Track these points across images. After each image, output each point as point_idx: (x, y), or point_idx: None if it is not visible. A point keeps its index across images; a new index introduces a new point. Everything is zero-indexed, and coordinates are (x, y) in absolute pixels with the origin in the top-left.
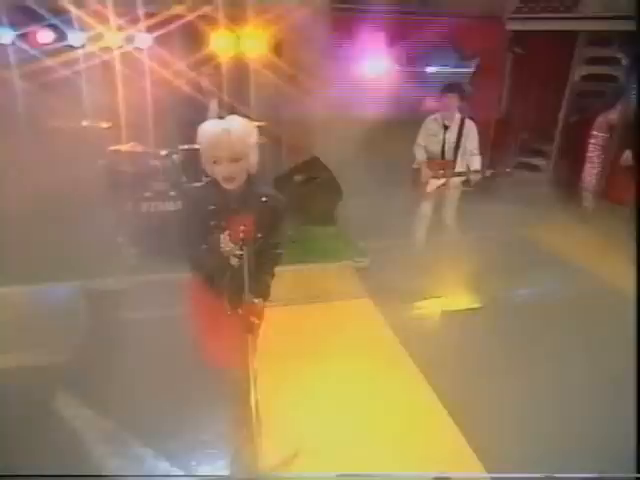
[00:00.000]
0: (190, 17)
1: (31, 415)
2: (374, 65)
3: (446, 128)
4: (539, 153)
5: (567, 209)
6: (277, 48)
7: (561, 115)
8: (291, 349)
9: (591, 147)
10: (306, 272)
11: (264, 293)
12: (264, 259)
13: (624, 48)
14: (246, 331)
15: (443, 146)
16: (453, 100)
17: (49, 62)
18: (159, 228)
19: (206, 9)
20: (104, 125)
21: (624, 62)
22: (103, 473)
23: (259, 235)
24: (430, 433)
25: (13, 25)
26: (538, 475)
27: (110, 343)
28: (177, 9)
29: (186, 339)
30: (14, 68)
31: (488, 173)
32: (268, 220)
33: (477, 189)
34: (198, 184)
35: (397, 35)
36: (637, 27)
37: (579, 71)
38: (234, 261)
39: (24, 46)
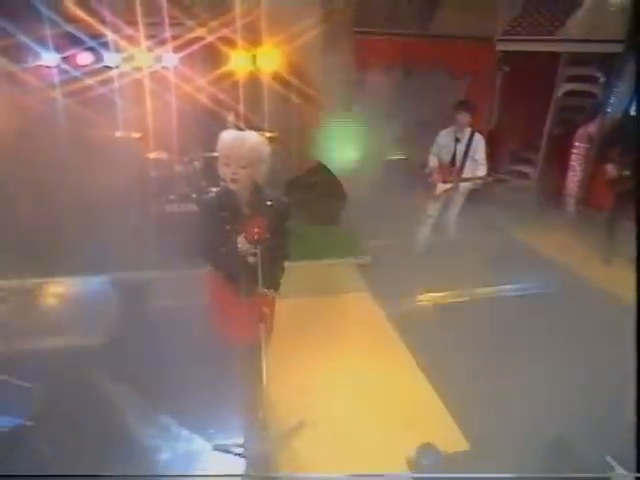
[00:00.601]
0: (211, 39)
1: (76, 388)
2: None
3: (458, 140)
4: (527, 161)
5: (551, 213)
6: (287, 65)
7: (546, 127)
8: (298, 336)
9: (573, 157)
10: (312, 268)
11: (275, 285)
12: (275, 255)
13: (601, 67)
14: (259, 320)
15: (454, 155)
16: (465, 117)
17: (88, 81)
18: (181, 227)
19: (225, 31)
20: (135, 135)
21: (601, 80)
22: (134, 439)
23: (268, 235)
24: (417, 407)
25: (58, 49)
26: (538, 475)
27: (139, 327)
28: (199, 32)
29: (204, 324)
30: (58, 87)
31: (490, 180)
32: (275, 221)
33: (472, 194)
34: (214, 190)
35: (398, 54)
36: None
37: (562, 88)
38: (251, 259)
39: (67, 67)
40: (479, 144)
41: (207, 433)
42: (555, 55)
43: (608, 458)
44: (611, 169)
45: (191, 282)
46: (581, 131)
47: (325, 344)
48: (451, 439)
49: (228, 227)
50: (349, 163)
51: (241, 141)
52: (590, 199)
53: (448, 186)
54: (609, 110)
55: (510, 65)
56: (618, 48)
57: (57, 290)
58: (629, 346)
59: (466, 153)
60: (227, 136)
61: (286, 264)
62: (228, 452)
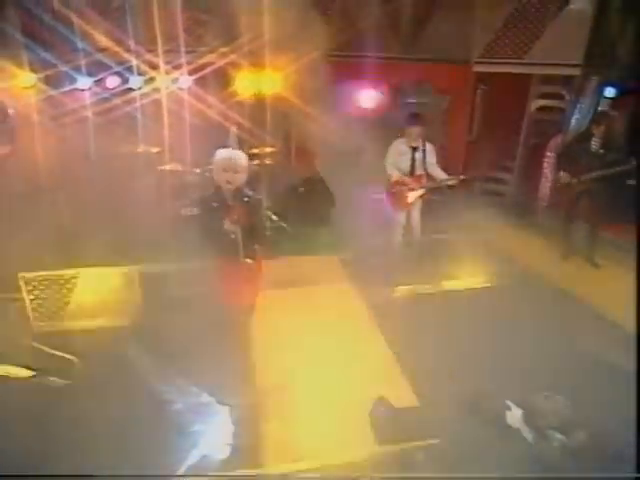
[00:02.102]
0: (220, 63)
1: (107, 359)
2: (366, 98)
3: (415, 149)
4: (505, 169)
5: (523, 215)
6: (287, 86)
7: (521, 138)
8: (287, 316)
9: (545, 165)
10: (301, 263)
11: (254, 257)
12: (253, 235)
13: (566, 86)
14: (245, 281)
15: (413, 163)
16: (419, 129)
17: (115, 101)
18: (193, 227)
19: (232, 57)
20: (154, 150)
21: (567, 97)
22: (155, 395)
23: (245, 220)
24: (379, 373)
25: (90, 74)
26: (539, 475)
27: (158, 310)
28: (210, 57)
29: (212, 309)
30: (89, 107)
31: (455, 182)
32: (251, 210)
33: (449, 198)
34: (210, 192)
35: (383, 75)
36: None
37: (535, 103)
38: (232, 236)
39: (97, 90)
40: (432, 151)
41: (211, 389)
42: (527, 74)
43: (508, 401)
44: (563, 176)
45: (200, 273)
46: (552, 142)
47: (309, 323)
48: (405, 398)
49: (218, 214)
50: (340, 173)
51: (233, 156)
52: (558, 204)
53: (420, 192)
54: (573, 124)
55: (487, 83)
56: (576, 71)
57: (91, 279)
58: (568, 332)
59: (424, 160)
60: (223, 153)
61: (280, 259)
62: (225, 404)
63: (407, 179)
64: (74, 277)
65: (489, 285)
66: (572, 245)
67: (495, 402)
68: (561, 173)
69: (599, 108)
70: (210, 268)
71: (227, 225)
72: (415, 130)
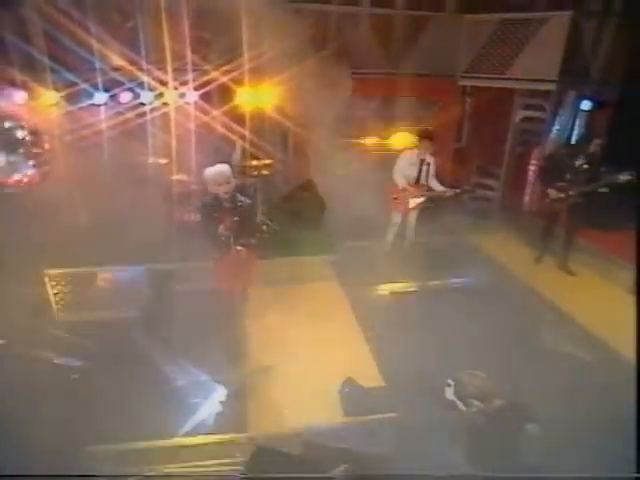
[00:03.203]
0: (224, 79)
1: (119, 344)
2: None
3: (422, 161)
4: (492, 175)
5: (506, 220)
6: (284, 100)
7: (507, 147)
8: (278, 309)
9: (530, 173)
10: (293, 263)
11: (246, 251)
12: (246, 233)
13: (546, 99)
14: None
15: (419, 174)
16: (429, 144)
17: (127, 115)
18: (195, 230)
19: (235, 74)
20: (163, 161)
21: (547, 109)
22: (161, 375)
23: (238, 223)
24: (353, 359)
25: (106, 90)
26: (539, 475)
27: (167, 303)
28: (214, 74)
29: (210, 302)
30: (104, 121)
31: (452, 192)
32: (243, 213)
33: (440, 203)
34: (209, 198)
35: (376, 88)
36: None
37: (519, 114)
38: (223, 238)
39: (111, 105)
40: (434, 165)
41: (209, 370)
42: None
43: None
44: (552, 193)
45: (201, 272)
46: (536, 151)
47: (297, 315)
48: (373, 379)
49: (215, 219)
50: (333, 181)
51: (221, 170)
52: (541, 211)
53: (420, 200)
54: (553, 135)
55: (474, 95)
56: (552, 86)
57: (106, 276)
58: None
59: (427, 172)
60: (212, 170)
61: (273, 259)
62: (221, 383)
63: (412, 187)
64: (92, 274)
65: (461, 284)
66: (548, 250)
67: (440, 381)
68: (548, 189)
69: (577, 121)
70: (208, 266)
71: (221, 230)
72: (427, 144)
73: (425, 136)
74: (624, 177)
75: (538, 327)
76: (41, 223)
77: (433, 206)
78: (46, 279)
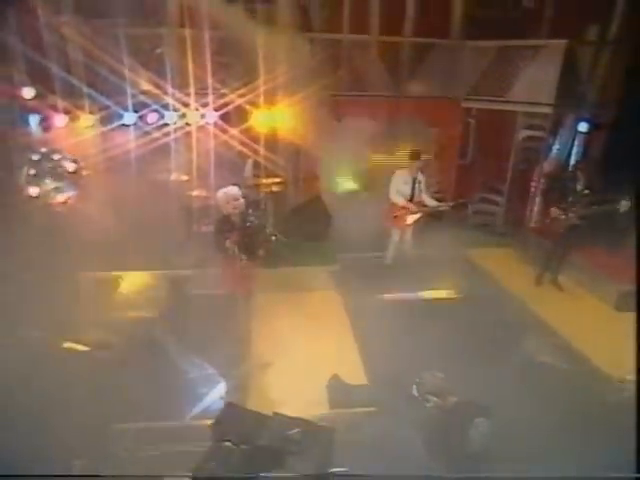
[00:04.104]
0: (240, 102)
1: (143, 339)
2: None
3: (414, 179)
4: (496, 191)
5: (508, 235)
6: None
7: (510, 164)
8: (280, 314)
9: (532, 189)
10: (296, 272)
11: (254, 258)
12: (253, 248)
13: (546, 120)
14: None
15: (413, 191)
16: (419, 164)
17: (154, 134)
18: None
19: (250, 96)
20: (184, 178)
21: (547, 129)
22: (176, 367)
23: (246, 238)
24: (343, 360)
25: (135, 111)
26: (538, 475)
27: (181, 305)
28: (232, 97)
29: (220, 305)
30: (133, 140)
31: (445, 208)
32: (252, 232)
33: (441, 217)
34: (219, 216)
35: (382, 110)
36: None
37: (521, 133)
38: (231, 251)
39: (139, 125)
40: (424, 181)
41: (216, 365)
42: None
43: (417, 379)
44: (554, 212)
45: (213, 278)
46: (537, 169)
47: (297, 319)
48: (358, 377)
49: (224, 234)
50: (339, 196)
51: (230, 191)
52: (541, 229)
53: (418, 216)
54: (553, 154)
55: (479, 115)
56: (548, 109)
57: (132, 280)
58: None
59: (420, 188)
60: (222, 192)
61: (278, 269)
62: (225, 377)
63: (410, 204)
64: (119, 278)
65: (457, 297)
66: (547, 267)
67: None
68: (550, 209)
69: (576, 141)
70: (219, 273)
71: (228, 244)
72: (417, 164)
73: (414, 157)
74: (624, 206)
75: (521, 337)
76: (78, 233)
77: (436, 220)
78: (82, 280)
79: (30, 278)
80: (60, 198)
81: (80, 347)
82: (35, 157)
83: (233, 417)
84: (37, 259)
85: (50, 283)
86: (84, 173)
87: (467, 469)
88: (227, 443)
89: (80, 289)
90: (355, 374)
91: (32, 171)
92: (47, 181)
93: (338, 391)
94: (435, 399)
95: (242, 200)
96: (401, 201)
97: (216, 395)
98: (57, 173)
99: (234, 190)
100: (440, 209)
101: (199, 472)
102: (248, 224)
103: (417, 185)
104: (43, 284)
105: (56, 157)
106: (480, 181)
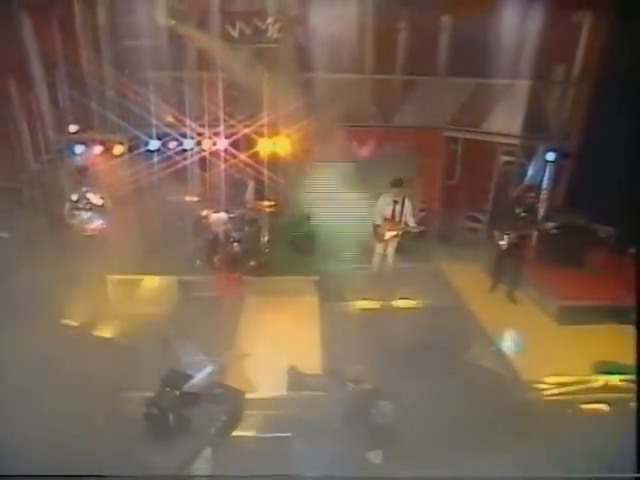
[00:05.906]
0: (247, 131)
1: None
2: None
3: (396, 202)
4: (480, 210)
5: (484, 252)
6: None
7: (492, 185)
8: (266, 315)
9: None
10: (281, 282)
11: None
12: (237, 261)
13: (519, 148)
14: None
15: (394, 212)
16: (399, 190)
17: (174, 159)
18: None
19: (255, 126)
20: (196, 199)
21: (520, 156)
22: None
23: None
24: (304, 355)
25: (159, 139)
26: (538, 475)
27: (188, 305)
28: (239, 127)
29: (216, 305)
30: (155, 164)
31: (418, 230)
32: (235, 249)
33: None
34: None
35: (373, 138)
36: None
37: (501, 158)
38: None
39: (161, 150)
40: (409, 205)
41: (206, 352)
42: None
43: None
44: (496, 235)
45: (210, 282)
46: (517, 191)
47: (279, 321)
48: (314, 368)
49: (215, 252)
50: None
51: (222, 217)
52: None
53: (394, 233)
54: (528, 178)
55: (463, 141)
56: (516, 140)
57: (147, 283)
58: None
59: (402, 211)
60: (214, 216)
61: (269, 277)
62: (213, 362)
63: (388, 223)
64: (138, 280)
65: (417, 306)
66: (500, 280)
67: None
68: (494, 232)
69: (546, 168)
70: (214, 280)
71: (216, 260)
72: (397, 190)
73: (396, 185)
74: (551, 228)
75: (467, 344)
76: (106, 246)
77: (417, 238)
78: (109, 283)
79: (70, 279)
80: (92, 226)
81: (106, 334)
82: (74, 197)
83: (177, 376)
84: (75, 266)
85: (84, 283)
86: (109, 205)
87: (372, 438)
88: (166, 388)
89: (106, 290)
90: (313, 366)
91: (70, 208)
92: (82, 213)
93: (294, 378)
94: (352, 385)
95: (229, 225)
96: (378, 219)
97: (204, 375)
98: (88, 206)
99: (223, 216)
100: (414, 230)
101: None
102: (234, 243)
103: (397, 207)
104: (81, 284)
105: (88, 195)
106: (466, 200)
